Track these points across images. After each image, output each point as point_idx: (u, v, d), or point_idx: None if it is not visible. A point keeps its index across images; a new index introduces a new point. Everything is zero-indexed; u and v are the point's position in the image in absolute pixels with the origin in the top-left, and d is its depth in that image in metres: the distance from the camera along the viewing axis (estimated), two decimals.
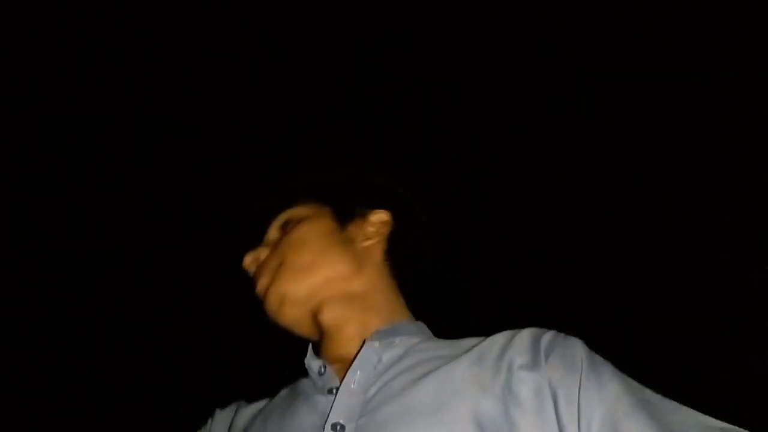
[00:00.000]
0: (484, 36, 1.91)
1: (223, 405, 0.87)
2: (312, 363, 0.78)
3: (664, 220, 1.90)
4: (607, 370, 0.66)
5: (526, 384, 0.65)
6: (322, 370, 0.75)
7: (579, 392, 0.63)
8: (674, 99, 1.85)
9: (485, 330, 0.76)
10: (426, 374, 0.68)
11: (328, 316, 0.81)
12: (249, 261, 0.89)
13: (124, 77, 1.91)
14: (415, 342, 0.77)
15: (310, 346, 0.82)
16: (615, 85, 1.87)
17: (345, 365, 0.75)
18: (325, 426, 0.66)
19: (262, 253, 0.88)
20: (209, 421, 0.85)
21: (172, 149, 1.93)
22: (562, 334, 0.71)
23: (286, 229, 0.89)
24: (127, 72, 1.89)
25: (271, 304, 0.83)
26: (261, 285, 0.84)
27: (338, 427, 0.65)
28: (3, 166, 1.91)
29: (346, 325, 0.80)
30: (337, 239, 0.86)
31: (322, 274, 0.83)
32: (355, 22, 1.81)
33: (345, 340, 0.80)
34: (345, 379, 0.71)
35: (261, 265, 0.86)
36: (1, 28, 1.76)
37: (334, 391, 0.71)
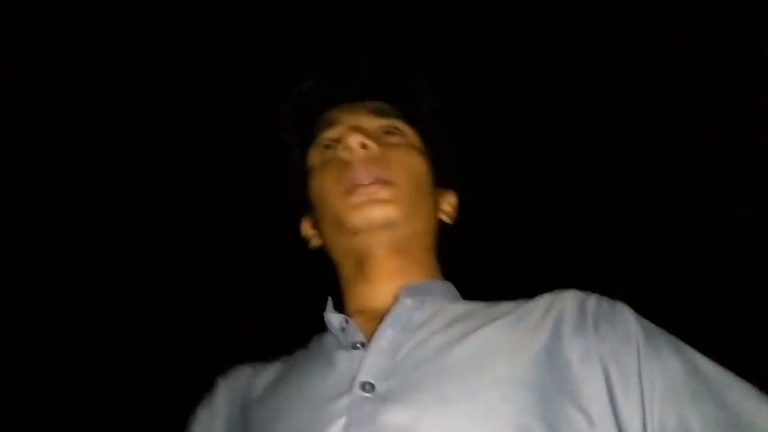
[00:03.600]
0: (485, 36, 1.91)
1: (225, 372, 0.80)
2: (332, 317, 0.73)
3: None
4: (667, 341, 0.64)
5: (574, 350, 0.63)
6: (344, 324, 0.71)
7: (639, 367, 0.61)
8: (675, 97, 1.86)
9: (505, 294, 0.75)
10: (463, 336, 0.65)
11: (383, 262, 0.76)
12: (356, 141, 0.75)
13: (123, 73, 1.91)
14: (445, 303, 0.74)
15: (330, 300, 0.77)
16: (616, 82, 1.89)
17: (369, 317, 0.72)
18: (354, 384, 0.62)
19: (370, 143, 0.76)
20: (210, 394, 0.79)
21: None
22: (606, 299, 0.68)
23: (391, 134, 0.81)
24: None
25: (378, 213, 0.73)
26: (385, 191, 0.73)
27: (367, 386, 0.62)
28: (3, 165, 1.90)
29: (387, 278, 0.76)
30: (433, 200, 0.83)
31: (423, 223, 0.79)
32: (362, 23, 1.81)
33: (376, 292, 0.76)
34: (375, 336, 0.67)
35: (373, 160, 0.75)
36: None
37: (359, 346, 0.68)
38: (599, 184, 1.96)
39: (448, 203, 0.88)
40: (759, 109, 1.76)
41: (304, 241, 0.89)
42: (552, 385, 0.60)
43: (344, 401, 0.62)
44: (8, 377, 1.96)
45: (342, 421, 0.60)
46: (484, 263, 1.68)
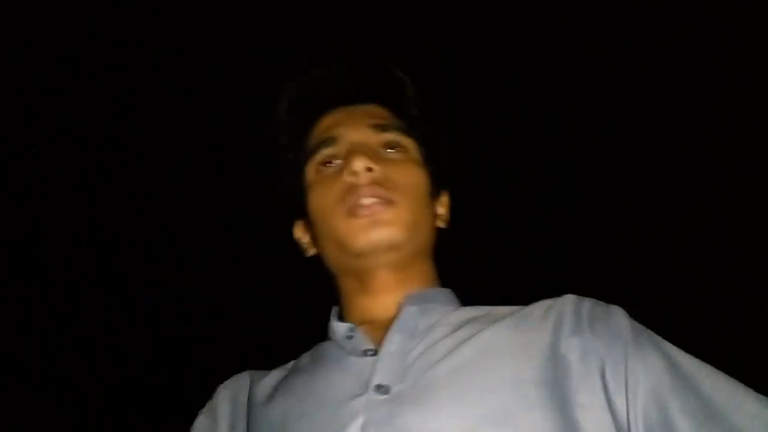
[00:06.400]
0: (484, 36, 1.91)
1: (224, 381, 0.82)
2: (337, 327, 0.74)
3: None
4: (651, 340, 0.67)
5: (573, 349, 0.65)
6: (350, 333, 0.73)
7: (626, 363, 0.63)
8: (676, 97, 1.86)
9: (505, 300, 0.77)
10: (469, 338, 0.67)
11: (385, 277, 0.76)
12: (362, 166, 0.74)
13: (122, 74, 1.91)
14: (447, 309, 0.76)
15: (334, 309, 0.79)
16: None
17: (374, 327, 0.74)
18: (369, 387, 0.64)
19: (375, 166, 0.75)
20: (212, 401, 0.80)
21: None
22: (602, 303, 0.71)
23: (392, 149, 0.80)
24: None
25: (383, 234, 0.73)
26: (387, 212, 0.74)
27: (382, 389, 0.64)
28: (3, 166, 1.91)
29: (389, 291, 0.77)
30: (431, 210, 0.83)
31: (423, 238, 0.79)
32: (362, 23, 1.81)
33: (378, 303, 0.77)
34: (384, 342, 0.69)
35: (377, 182, 0.75)
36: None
37: (369, 353, 0.69)
38: (599, 184, 1.96)
39: (443, 205, 0.88)
40: (759, 109, 1.76)
41: (297, 245, 0.88)
42: (557, 381, 0.63)
43: (360, 403, 0.63)
44: (8, 377, 1.96)
45: (359, 421, 0.62)
46: (480, 266, 1.68)
